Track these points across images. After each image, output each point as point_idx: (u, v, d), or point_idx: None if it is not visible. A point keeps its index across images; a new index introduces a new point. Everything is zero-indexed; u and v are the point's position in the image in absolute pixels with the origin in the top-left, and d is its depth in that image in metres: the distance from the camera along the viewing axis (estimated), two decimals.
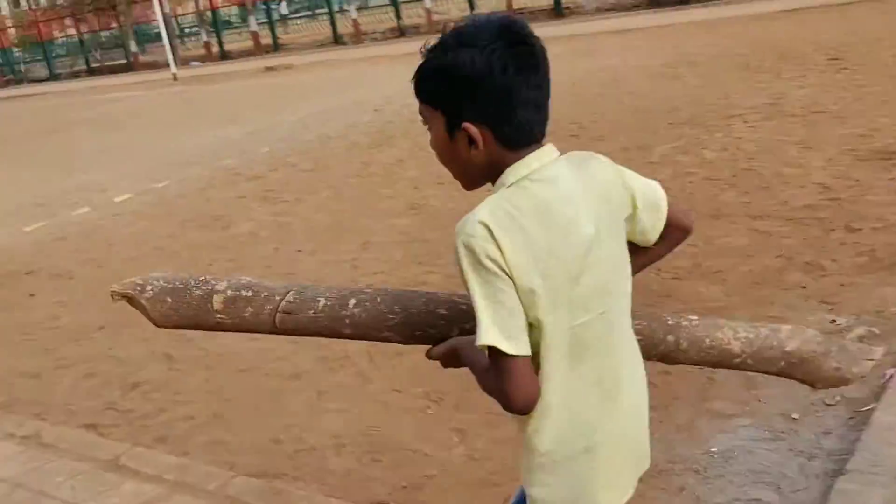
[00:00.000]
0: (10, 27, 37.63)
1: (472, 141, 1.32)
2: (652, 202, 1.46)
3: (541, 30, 1.46)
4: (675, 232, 1.51)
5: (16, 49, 36.83)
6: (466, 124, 1.31)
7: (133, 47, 31.64)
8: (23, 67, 35.89)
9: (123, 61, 32.00)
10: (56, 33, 36.18)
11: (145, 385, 4.29)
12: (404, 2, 25.24)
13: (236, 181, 8.82)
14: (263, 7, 29.49)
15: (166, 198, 8.56)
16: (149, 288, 1.69)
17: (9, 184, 10.94)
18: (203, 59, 29.01)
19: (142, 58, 31.74)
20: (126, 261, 6.50)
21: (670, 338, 1.61)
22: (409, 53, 2.71)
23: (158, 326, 1.71)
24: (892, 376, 3.00)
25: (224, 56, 28.96)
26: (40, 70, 35.43)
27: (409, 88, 1.40)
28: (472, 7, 23.20)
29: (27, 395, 4.37)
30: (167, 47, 24.24)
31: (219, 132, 12.33)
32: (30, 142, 15.28)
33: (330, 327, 1.62)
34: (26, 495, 3.29)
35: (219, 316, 1.65)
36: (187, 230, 7.19)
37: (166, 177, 9.54)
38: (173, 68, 23.29)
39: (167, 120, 15.52)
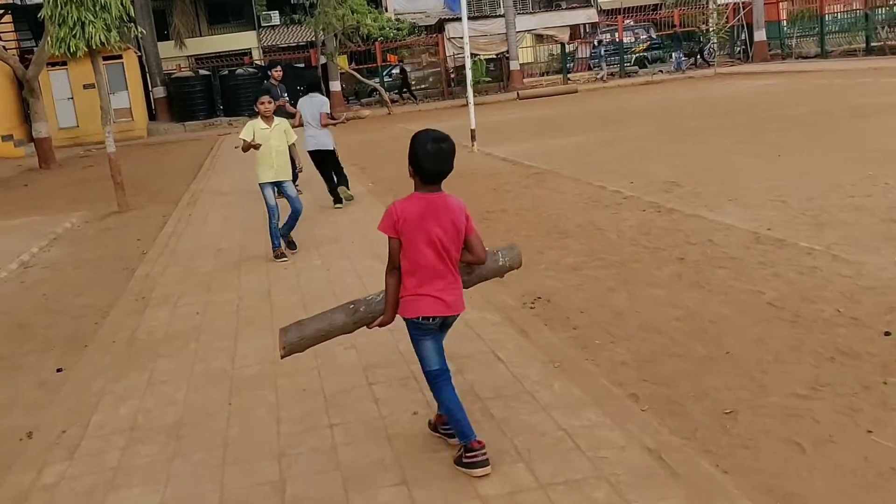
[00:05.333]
0: (782, 0, 36.03)
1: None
2: None
3: None
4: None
5: (784, 23, 35.38)
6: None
7: None
8: (792, 42, 34.37)
9: None
10: (832, 7, 33.62)
11: None
12: None
13: None
14: None
15: None
16: None
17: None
18: None
19: None
20: None
21: None
22: None
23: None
24: None
25: None
26: (810, 46, 33.52)
27: None
28: None
29: None
30: None
31: None
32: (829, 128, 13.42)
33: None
34: None
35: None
36: None
37: None
38: None
39: None
